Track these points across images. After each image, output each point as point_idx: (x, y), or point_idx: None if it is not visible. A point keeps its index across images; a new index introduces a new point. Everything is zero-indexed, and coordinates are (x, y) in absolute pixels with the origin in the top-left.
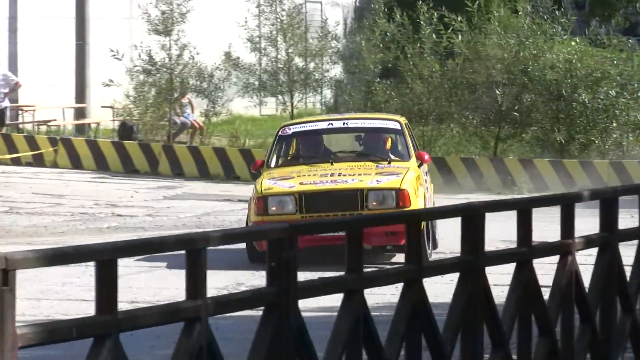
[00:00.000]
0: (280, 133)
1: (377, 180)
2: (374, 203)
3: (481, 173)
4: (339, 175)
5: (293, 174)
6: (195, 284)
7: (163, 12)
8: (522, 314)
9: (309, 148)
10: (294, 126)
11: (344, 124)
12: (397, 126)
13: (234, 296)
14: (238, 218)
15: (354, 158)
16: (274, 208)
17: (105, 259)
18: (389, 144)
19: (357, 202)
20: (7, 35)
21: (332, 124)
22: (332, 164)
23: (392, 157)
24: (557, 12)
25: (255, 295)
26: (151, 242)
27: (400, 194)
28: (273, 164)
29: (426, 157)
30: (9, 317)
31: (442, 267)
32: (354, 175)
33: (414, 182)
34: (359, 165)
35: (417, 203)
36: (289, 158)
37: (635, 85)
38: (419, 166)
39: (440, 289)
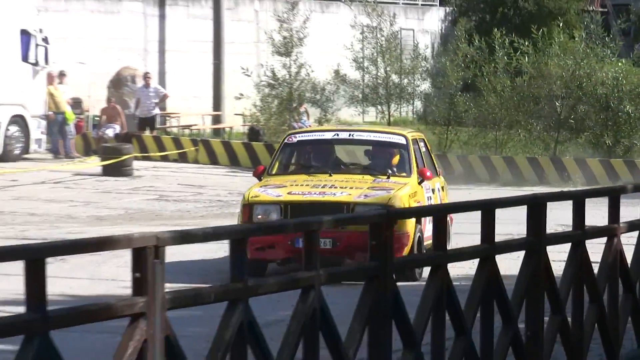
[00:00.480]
0: (286, 141)
1: (365, 195)
2: None
3: (543, 169)
4: (331, 187)
5: (287, 183)
6: (311, 259)
7: (284, 37)
8: (576, 285)
9: (313, 157)
10: (301, 135)
11: (349, 135)
12: (401, 141)
13: (343, 269)
14: None
15: (354, 171)
16: (259, 216)
17: (238, 238)
18: (395, 159)
19: None
20: (157, 56)
21: (337, 135)
22: (330, 175)
23: (395, 172)
24: (606, 39)
25: (360, 268)
26: (275, 225)
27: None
28: (274, 171)
29: (428, 173)
30: (159, 285)
31: (511, 246)
32: (344, 188)
33: (407, 199)
34: (357, 178)
35: (403, 225)
36: (290, 166)
37: None
38: (420, 182)
39: (509, 264)
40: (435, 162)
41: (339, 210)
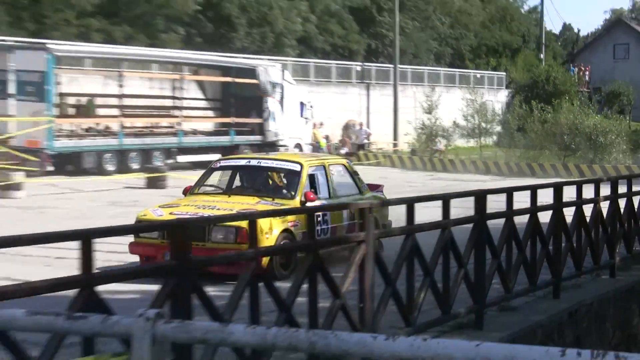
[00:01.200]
0: (212, 165)
1: None
2: (220, 236)
3: (558, 170)
4: (212, 208)
5: (185, 203)
6: (444, 221)
7: (428, 104)
8: (578, 227)
9: (227, 180)
10: (224, 160)
11: (258, 162)
12: (296, 168)
13: (459, 219)
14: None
15: (250, 193)
16: (143, 234)
17: (408, 204)
18: (285, 183)
19: (204, 235)
20: (365, 114)
21: (249, 162)
22: (229, 196)
23: (285, 194)
24: (589, 105)
25: (469, 218)
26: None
27: (238, 232)
28: (196, 190)
29: (312, 196)
30: (371, 226)
31: (545, 208)
32: (221, 209)
33: (269, 221)
34: (247, 200)
35: (262, 240)
36: (205, 187)
37: (622, 134)
38: (304, 204)
39: (544, 217)
40: (358, 183)
41: (201, 230)
